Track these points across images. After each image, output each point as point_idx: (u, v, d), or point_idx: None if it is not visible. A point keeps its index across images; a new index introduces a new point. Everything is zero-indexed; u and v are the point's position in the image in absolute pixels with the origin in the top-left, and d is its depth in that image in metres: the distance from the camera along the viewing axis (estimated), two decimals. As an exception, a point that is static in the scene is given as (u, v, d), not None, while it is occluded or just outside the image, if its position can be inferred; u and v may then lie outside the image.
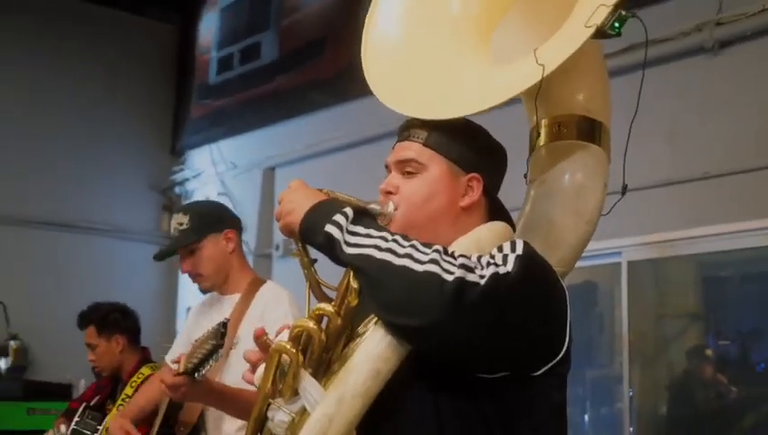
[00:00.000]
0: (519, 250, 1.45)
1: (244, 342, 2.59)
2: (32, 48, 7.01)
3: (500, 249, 1.47)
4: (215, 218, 2.83)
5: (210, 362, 2.34)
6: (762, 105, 3.90)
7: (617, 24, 1.59)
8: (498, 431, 1.47)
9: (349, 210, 1.49)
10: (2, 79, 6.83)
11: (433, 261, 1.37)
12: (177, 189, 7.54)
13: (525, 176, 1.81)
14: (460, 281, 1.34)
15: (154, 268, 7.23)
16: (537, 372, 1.45)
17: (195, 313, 2.98)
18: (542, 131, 1.78)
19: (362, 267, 1.43)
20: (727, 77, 4.06)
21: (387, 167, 1.70)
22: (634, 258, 4.30)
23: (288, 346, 1.40)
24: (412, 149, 1.64)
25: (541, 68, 1.55)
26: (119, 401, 3.74)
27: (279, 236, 6.30)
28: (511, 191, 1.78)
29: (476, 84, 1.80)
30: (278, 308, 2.62)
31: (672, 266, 4.28)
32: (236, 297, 2.74)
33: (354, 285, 1.44)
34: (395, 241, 1.43)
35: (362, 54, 1.87)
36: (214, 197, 6.38)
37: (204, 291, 2.89)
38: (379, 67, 1.85)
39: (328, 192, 1.57)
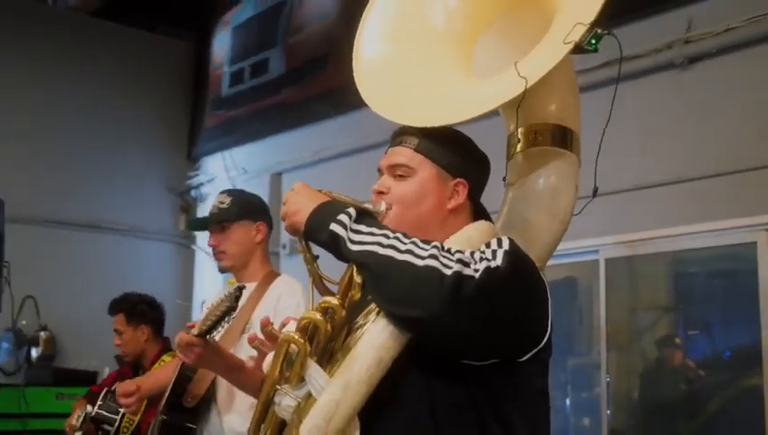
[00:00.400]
0: (506, 246, 1.46)
1: (256, 327, 2.57)
2: (62, 66, 7.02)
3: (488, 245, 1.47)
4: (253, 208, 2.83)
5: (223, 323, 2.30)
6: (726, 116, 3.91)
7: (593, 41, 1.59)
8: (488, 415, 1.47)
9: (352, 210, 1.49)
10: (36, 95, 6.83)
11: (432, 256, 1.38)
12: (192, 193, 7.54)
13: (504, 179, 1.80)
14: (458, 275, 1.35)
15: (172, 265, 7.27)
16: (522, 358, 1.46)
17: (212, 297, 2.95)
18: (520, 138, 1.77)
19: (366, 263, 1.43)
20: (695, 90, 4.06)
21: (379, 170, 1.69)
22: (611, 256, 4.30)
23: (297, 337, 1.39)
24: (404, 154, 1.64)
25: (523, 80, 1.55)
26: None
27: (286, 236, 6.30)
28: (492, 195, 1.78)
29: (463, 95, 1.80)
30: (291, 298, 2.61)
31: (645, 263, 4.28)
32: (252, 286, 2.71)
33: (357, 279, 1.44)
34: (396, 238, 1.43)
35: (354, 70, 1.87)
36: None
37: (221, 270, 2.83)
38: (371, 81, 1.85)
39: (328, 193, 1.57)
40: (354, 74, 1.87)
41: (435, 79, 1.87)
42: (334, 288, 1.53)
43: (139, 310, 3.94)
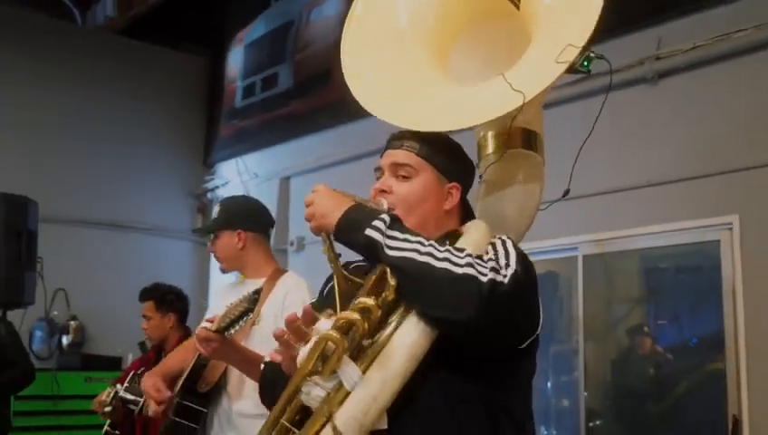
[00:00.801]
0: (515, 249, 1.48)
1: (265, 320, 2.58)
2: (92, 80, 7.00)
3: (498, 247, 1.48)
4: (235, 217, 2.78)
5: (240, 323, 2.29)
6: (692, 126, 3.92)
7: (585, 63, 1.60)
8: (495, 407, 1.48)
9: (386, 216, 1.45)
10: (68, 107, 6.82)
11: (469, 264, 1.37)
12: (208, 195, 7.53)
13: (480, 176, 1.82)
14: (492, 281, 1.35)
15: (189, 261, 7.28)
16: (522, 345, 1.47)
17: (220, 294, 2.94)
18: (493, 140, 1.80)
19: (405, 268, 1.39)
20: (665, 102, 4.07)
21: (379, 169, 1.66)
22: (588, 253, 4.30)
23: (336, 335, 1.33)
24: (407, 156, 1.62)
25: (520, 94, 1.56)
26: None
27: (293, 234, 6.31)
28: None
29: (460, 103, 1.78)
30: (297, 293, 2.59)
31: (619, 260, 4.28)
32: (260, 282, 2.68)
33: (392, 282, 1.40)
34: (432, 246, 1.40)
35: (347, 80, 1.83)
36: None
37: (222, 270, 2.87)
38: (366, 88, 1.81)
39: (354, 197, 1.54)
40: (348, 82, 1.83)
41: (424, 82, 1.84)
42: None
43: (168, 299, 3.97)
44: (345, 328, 1.35)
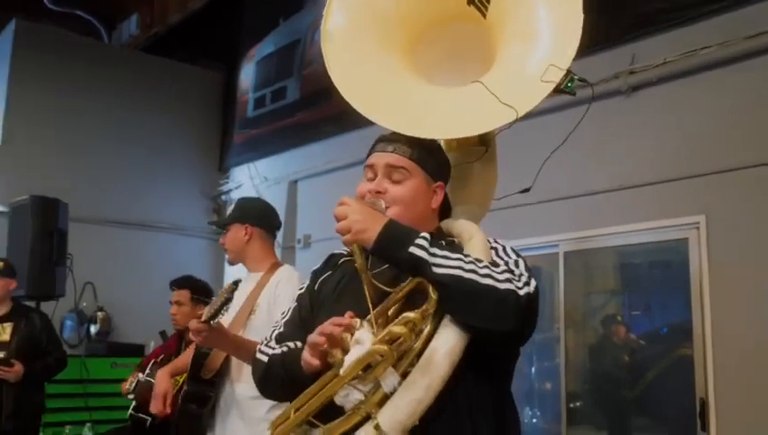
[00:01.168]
0: (515, 254, 1.52)
1: (261, 308, 2.60)
2: (117, 92, 7.00)
3: (502, 255, 1.50)
4: (246, 213, 2.80)
5: (222, 311, 2.37)
6: (664, 134, 3.92)
7: (569, 84, 1.61)
8: (501, 404, 1.50)
9: (426, 234, 1.41)
10: (95, 117, 6.82)
11: (508, 280, 1.36)
12: (223, 197, 7.53)
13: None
14: (527, 295, 1.36)
15: (205, 256, 7.27)
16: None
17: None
18: (454, 139, 1.82)
19: (452, 284, 1.35)
20: (638, 113, 4.07)
21: (371, 167, 1.62)
22: (568, 249, 4.30)
23: (387, 349, 1.30)
24: (401, 160, 1.59)
25: (514, 111, 1.57)
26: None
27: (300, 232, 6.31)
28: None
29: (453, 111, 1.73)
30: (288, 285, 2.58)
31: (596, 255, 4.27)
32: (260, 275, 2.72)
33: (434, 296, 1.36)
34: (472, 262, 1.38)
35: (341, 91, 1.79)
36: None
37: (229, 262, 2.88)
38: (362, 99, 1.77)
39: (366, 201, 1.52)
40: (342, 93, 1.79)
41: (408, 87, 1.81)
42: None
43: (203, 291, 3.97)
44: (391, 341, 1.32)
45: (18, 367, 3.95)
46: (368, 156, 1.65)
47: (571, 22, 1.66)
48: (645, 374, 3.99)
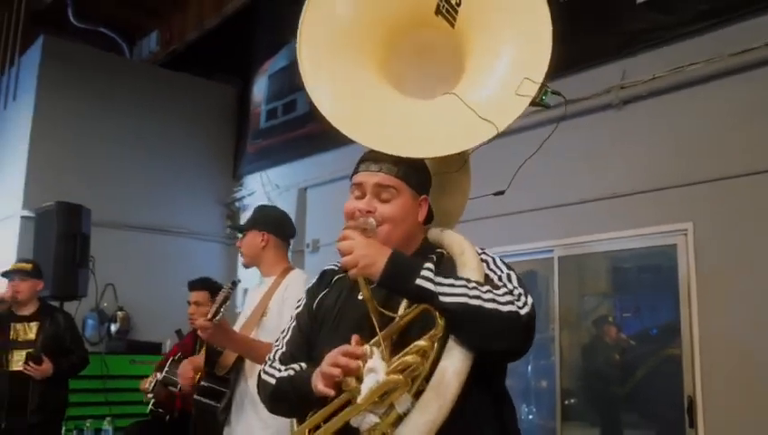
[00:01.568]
0: (506, 267, 1.50)
1: (272, 311, 2.61)
2: (138, 104, 7.02)
3: (495, 269, 1.48)
4: (263, 220, 2.80)
5: (222, 310, 2.40)
6: (653, 145, 3.93)
7: (543, 97, 1.57)
8: (501, 412, 1.51)
9: (430, 265, 1.39)
10: (116, 127, 6.85)
11: (510, 302, 1.36)
12: (236, 204, 7.54)
13: None
14: (528, 314, 1.36)
15: (219, 260, 7.29)
16: None
17: (249, 292, 2.98)
18: None
19: (459, 312, 1.34)
20: (628, 126, 4.07)
21: (359, 185, 1.58)
22: (562, 254, 4.30)
23: (402, 379, 1.31)
24: (388, 179, 1.56)
25: (493, 126, 1.54)
26: (200, 353, 3.75)
27: (309, 237, 6.31)
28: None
29: (433, 128, 1.67)
30: (296, 287, 2.58)
31: (589, 260, 4.27)
32: (272, 279, 2.73)
33: (442, 322, 1.35)
34: (475, 288, 1.36)
35: (325, 115, 1.73)
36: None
37: (244, 265, 2.88)
38: (344, 120, 1.71)
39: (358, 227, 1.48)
40: (328, 119, 1.72)
41: (389, 102, 1.73)
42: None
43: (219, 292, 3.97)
44: (404, 369, 1.33)
45: (47, 365, 3.96)
46: (354, 173, 1.62)
47: (541, 33, 1.61)
48: (635, 373, 3.98)
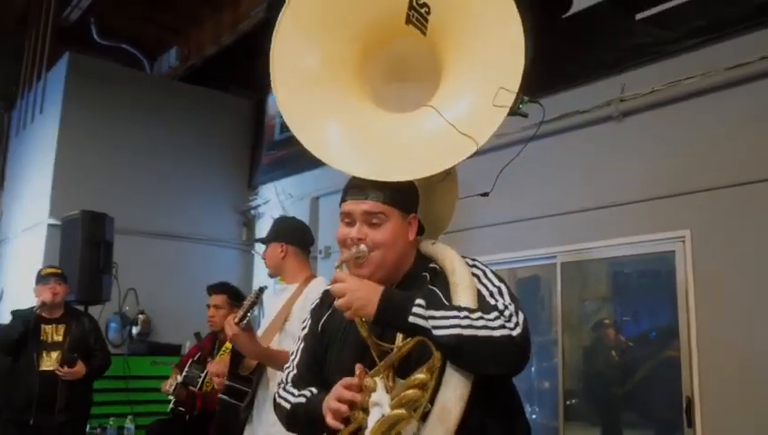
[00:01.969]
0: (498, 280, 1.49)
1: (294, 316, 2.63)
2: (158, 117, 7.06)
3: (487, 284, 1.47)
4: (281, 232, 2.85)
5: (249, 314, 2.45)
6: (652, 155, 3.92)
7: (521, 106, 1.52)
8: (502, 423, 1.50)
9: (420, 301, 1.38)
10: (137, 139, 6.89)
11: (501, 326, 1.35)
12: (252, 212, 7.56)
13: None
14: (519, 334, 1.36)
15: (236, 266, 7.29)
16: None
17: (268, 295, 3.00)
18: None
19: (454, 343, 1.34)
20: (627, 137, 4.08)
21: (347, 214, 1.56)
22: (565, 260, 4.29)
23: (406, 413, 1.32)
24: (376, 205, 1.53)
25: (473, 142, 1.48)
26: (219, 353, 3.78)
27: (321, 244, 6.32)
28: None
29: (413, 149, 1.60)
30: (315, 294, 2.61)
31: (590, 266, 4.26)
32: (295, 286, 2.76)
33: (438, 354, 1.36)
34: (467, 317, 1.35)
35: (304, 145, 1.69)
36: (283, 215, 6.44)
37: (269, 275, 2.92)
38: (323, 147, 1.66)
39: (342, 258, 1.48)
40: (312, 151, 1.67)
41: (367, 119, 1.66)
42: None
43: (238, 297, 4.02)
44: (407, 402, 1.34)
45: (80, 367, 4.01)
46: (342, 200, 1.59)
47: (513, 40, 1.52)
48: (635, 374, 3.97)
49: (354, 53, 1.70)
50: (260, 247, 2.92)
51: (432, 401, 1.36)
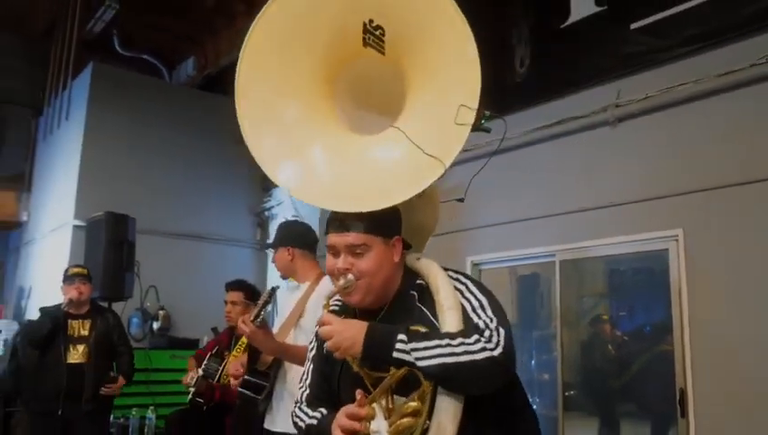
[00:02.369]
0: (481, 293, 1.48)
1: (308, 312, 2.65)
2: (178, 123, 7.08)
3: (470, 298, 1.47)
4: (285, 236, 2.87)
5: (263, 312, 2.45)
6: (646, 158, 3.93)
7: (483, 121, 1.48)
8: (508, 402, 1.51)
9: (402, 336, 1.39)
10: (158, 145, 6.92)
11: (482, 349, 1.35)
12: (266, 213, 7.58)
13: None
14: (501, 353, 1.36)
15: (251, 264, 7.31)
16: None
17: (282, 293, 3.03)
18: None
19: (439, 372, 1.36)
20: (623, 141, 4.08)
21: (332, 247, 1.55)
22: (563, 258, 4.30)
23: None
24: (357, 237, 1.52)
25: (441, 163, 1.44)
26: (235, 349, 3.81)
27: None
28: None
29: (384, 177, 1.55)
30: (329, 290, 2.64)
31: (588, 264, 4.27)
32: (307, 284, 2.79)
33: (426, 381, 1.38)
34: (448, 344, 1.36)
35: (284, 187, 1.63)
36: (289, 218, 6.43)
37: (281, 277, 2.94)
38: (292, 180, 1.62)
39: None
40: (286, 188, 1.62)
41: (339, 147, 1.60)
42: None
43: (253, 292, 4.04)
44: (404, 430, 1.36)
45: (121, 380, 4.13)
46: (326, 232, 1.58)
47: (467, 54, 1.45)
48: (630, 367, 3.98)
49: (319, 79, 1.67)
50: (271, 252, 2.94)
51: (430, 416, 1.38)
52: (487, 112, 1.48)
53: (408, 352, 1.38)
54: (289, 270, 2.84)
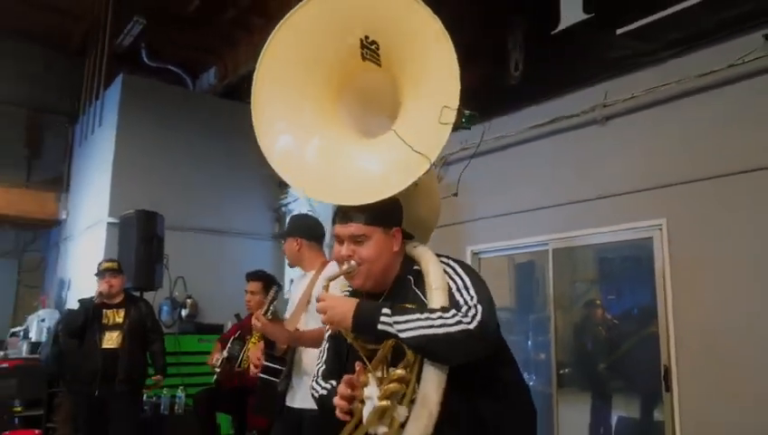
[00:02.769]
0: (466, 274, 1.49)
1: (314, 299, 2.65)
2: (202, 128, 7.08)
3: (455, 279, 1.48)
4: (293, 227, 2.88)
5: (271, 308, 2.52)
6: (632, 154, 3.91)
7: (463, 120, 1.48)
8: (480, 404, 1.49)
9: (386, 310, 1.43)
10: (184, 147, 6.94)
11: (458, 322, 1.37)
12: (283, 209, 7.59)
13: None
14: (476, 326, 1.37)
15: (269, 256, 7.32)
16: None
17: (293, 282, 3.04)
18: None
19: (419, 343, 1.38)
20: (611, 138, 4.05)
21: (337, 236, 1.59)
22: (556, 247, 4.29)
23: (389, 404, 1.37)
24: (358, 227, 1.56)
25: (426, 159, 1.46)
26: (255, 335, 3.81)
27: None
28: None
29: (378, 171, 1.58)
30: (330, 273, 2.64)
31: (579, 251, 4.25)
32: (313, 272, 2.80)
33: (409, 352, 1.40)
34: (428, 318, 1.39)
35: (283, 175, 1.67)
36: (304, 212, 6.46)
37: (288, 265, 2.95)
38: (303, 180, 1.65)
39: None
40: (286, 178, 1.67)
41: (338, 149, 1.63)
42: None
43: (271, 282, 4.04)
44: (392, 394, 1.38)
45: (160, 379, 4.23)
46: (333, 222, 1.62)
47: (447, 60, 1.48)
48: (619, 347, 3.98)
49: (329, 93, 1.71)
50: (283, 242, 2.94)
51: (418, 383, 1.39)
52: (466, 112, 1.48)
53: (390, 325, 1.41)
54: (296, 259, 2.84)
